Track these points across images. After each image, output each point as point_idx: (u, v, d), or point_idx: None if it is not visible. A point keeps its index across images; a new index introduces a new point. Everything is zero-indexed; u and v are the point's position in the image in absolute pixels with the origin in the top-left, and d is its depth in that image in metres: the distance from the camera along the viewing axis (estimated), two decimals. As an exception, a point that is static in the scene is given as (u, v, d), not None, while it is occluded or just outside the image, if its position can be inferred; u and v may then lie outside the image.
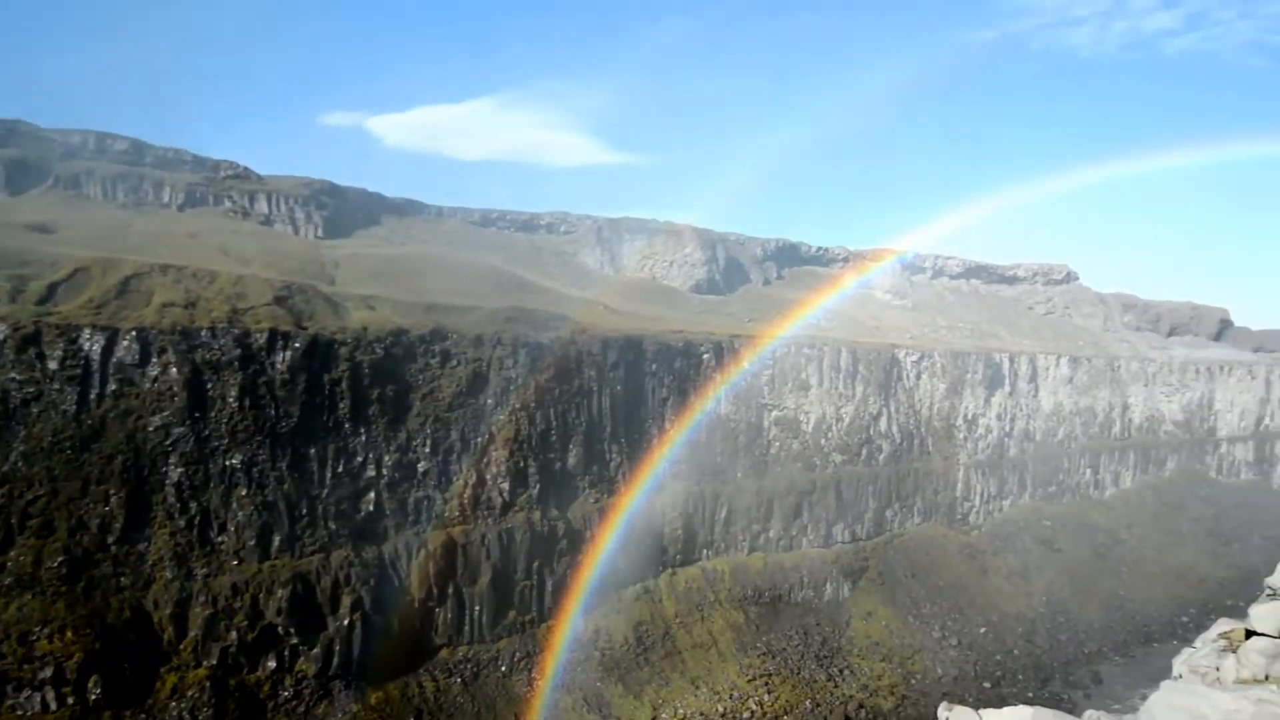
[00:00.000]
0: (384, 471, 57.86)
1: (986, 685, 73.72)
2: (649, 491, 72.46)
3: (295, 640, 50.42)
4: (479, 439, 63.58)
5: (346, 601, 53.04)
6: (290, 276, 66.56)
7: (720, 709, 62.02)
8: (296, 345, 55.13)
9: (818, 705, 64.50)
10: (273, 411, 53.14)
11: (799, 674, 67.61)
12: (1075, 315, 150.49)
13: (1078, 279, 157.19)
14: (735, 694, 63.81)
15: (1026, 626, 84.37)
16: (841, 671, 69.84)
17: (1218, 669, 8.90)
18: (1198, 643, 11.22)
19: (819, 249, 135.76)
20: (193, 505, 49.37)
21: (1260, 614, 8.88)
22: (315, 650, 51.01)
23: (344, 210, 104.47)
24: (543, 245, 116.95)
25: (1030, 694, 73.46)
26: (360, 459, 57.17)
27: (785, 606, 75.09)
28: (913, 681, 71.58)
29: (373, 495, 57.17)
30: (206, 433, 50.62)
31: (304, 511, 53.60)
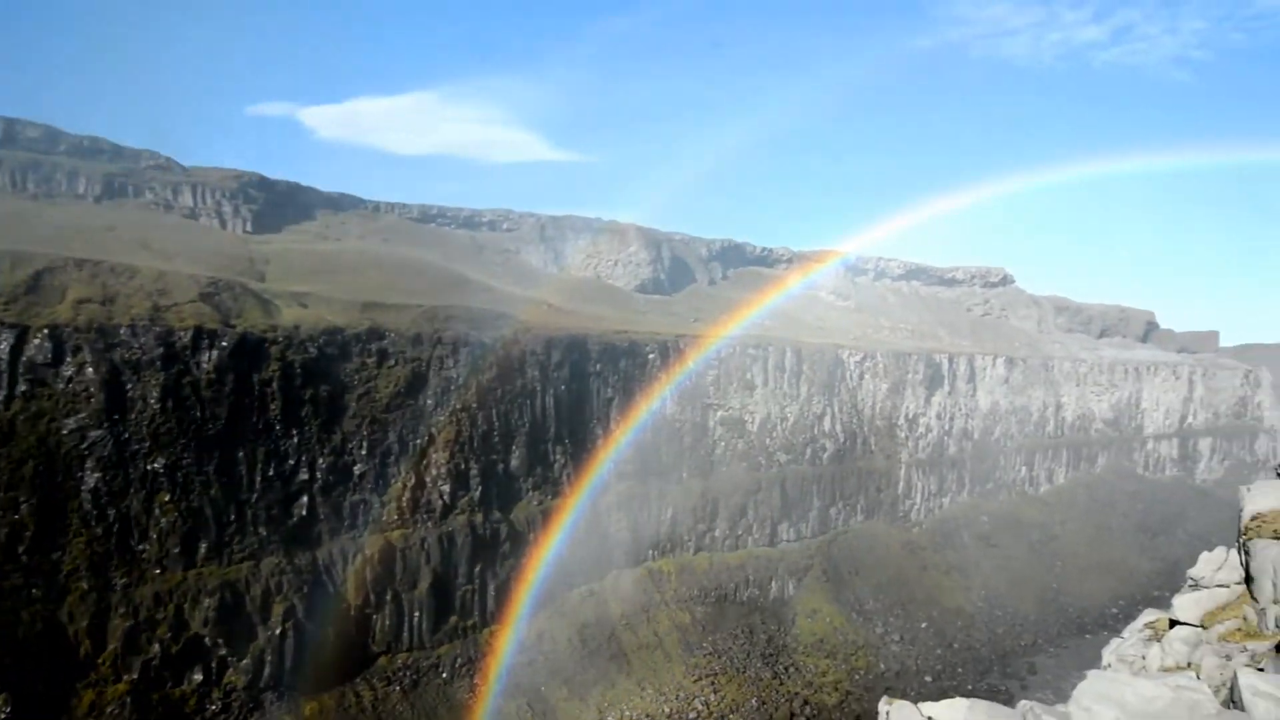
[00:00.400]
0: (318, 475, 56.82)
1: (928, 679, 76.35)
2: (594, 492, 72.85)
3: (224, 651, 49.13)
4: (418, 441, 62.98)
5: (278, 610, 51.92)
6: (217, 272, 64.80)
7: (666, 709, 62.78)
8: (224, 344, 53.77)
9: (763, 703, 65.83)
10: (198, 413, 51.70)
11: (745, 672, 68.90)
12: (1011, 317, 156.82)
13: (1014, 282, 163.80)
14: (681, 694, 64.65)
15: (965, 621, 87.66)
16: (787, 669, 71.43)
17: (1144, 658, 9.71)
18: (1125, 633, 12.04)
19: (764, 250, 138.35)
20: (111, 512, 47.66)
21: (1182, 604, 9.76)
22: (245, 661, 49.80)
23: (275, 204, 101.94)
24: (485, 243, 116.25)
25: (970, 686, 76.42)
26: (292, 462, 56.03)
27: (731, 606, 76.39)
28: (856, 677, 73.66)
29: (305, 500, 56.10)
30: (126, 435, 48.95)
31: (232, 517, 52.27)
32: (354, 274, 78.14)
